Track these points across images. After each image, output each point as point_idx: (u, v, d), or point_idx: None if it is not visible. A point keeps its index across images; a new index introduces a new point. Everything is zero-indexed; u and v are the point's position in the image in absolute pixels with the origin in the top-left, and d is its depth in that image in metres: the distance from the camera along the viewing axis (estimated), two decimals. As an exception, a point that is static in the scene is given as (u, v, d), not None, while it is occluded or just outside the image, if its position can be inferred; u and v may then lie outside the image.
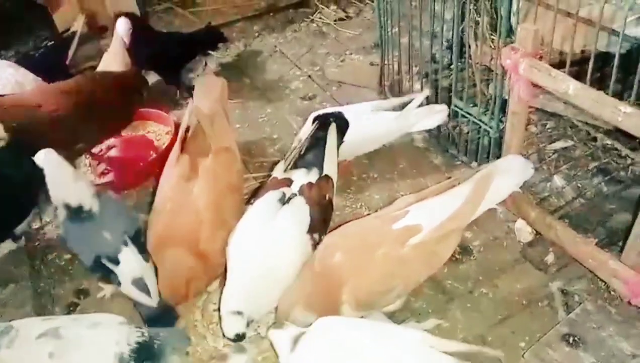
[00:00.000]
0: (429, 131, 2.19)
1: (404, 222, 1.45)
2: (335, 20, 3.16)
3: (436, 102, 2.12)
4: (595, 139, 2.04)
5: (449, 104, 2.00)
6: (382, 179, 2.12)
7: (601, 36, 1.79)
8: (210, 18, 3.20)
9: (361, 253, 1.43)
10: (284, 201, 1.55)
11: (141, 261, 1.49)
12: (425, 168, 2.13)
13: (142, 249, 1.53)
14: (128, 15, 2.46)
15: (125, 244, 1.49)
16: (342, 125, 1.78)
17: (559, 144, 2.07)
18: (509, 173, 1.50)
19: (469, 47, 2.21)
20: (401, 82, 2.29)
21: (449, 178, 2.02)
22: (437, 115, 2.03)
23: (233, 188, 1.69)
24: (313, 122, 1.73)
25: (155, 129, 2.40)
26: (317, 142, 1.66)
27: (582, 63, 1.99)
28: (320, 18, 3.20)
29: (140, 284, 1.46)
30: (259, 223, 1.51)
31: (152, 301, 1.48)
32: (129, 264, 1.47)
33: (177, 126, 2.19)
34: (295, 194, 1.57)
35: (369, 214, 1.94)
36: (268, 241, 1.49)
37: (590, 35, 1.67)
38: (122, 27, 2.38)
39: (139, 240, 1.54)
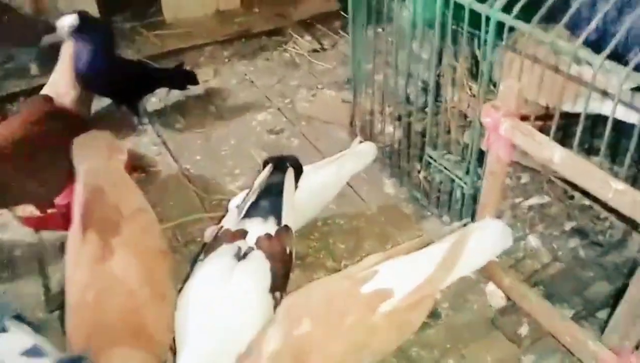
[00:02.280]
0: (400, 177, 2.07)
1: (374, 285, 1.32)
2: (309, 52, 3.04)
3: (409, 147, 2.01)
4: (572, 197, 1.95)
5: (422, 149, 1.89)
6: (349, 226, 1.98)
7: (594, 97, 1.73)
8: (179, 41, 3.06)
9: (329, 321, 1.28)
10: (240, 256, 1.39)
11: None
12: (395, 216, 2.01)
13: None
14: (81, 13, 2.02)
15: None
16: (297, 171, 1.66)
17: (534, 200, 1.97)
18: (487, 240, 1.40)
19: (445, 92, 2.12)
20: (372, 124, 2.17)
21: (419, 229, 1.94)
22: (365, 156, 1.93)
23: (161, 254, 1.44)
24: (264, 165, 1.59)
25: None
26: (273, 188, 1.52)
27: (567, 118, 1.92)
28: (294, 48, 3.08)
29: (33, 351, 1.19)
30: (214, 284, 1.33)
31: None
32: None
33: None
34: (253, 248, 1.41)
35: (333, 264, 1.81)
36: (226, 305, 1.31)
37: (579, 95, 1.59)
38: (66, 22, 1.97)
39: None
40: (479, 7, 1.37)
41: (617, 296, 1.57)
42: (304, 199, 1.69)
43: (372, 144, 1.96)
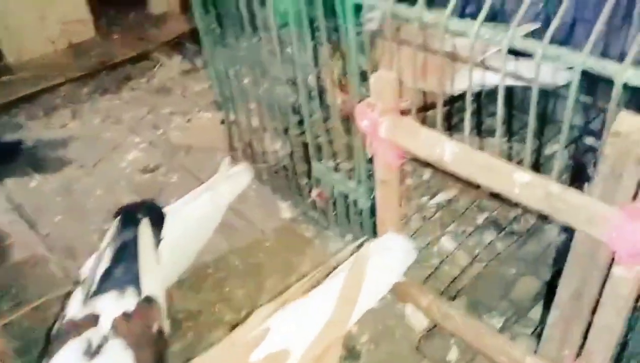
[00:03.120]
0: (294, 198, 1.83)
1: (265, 349, 1.07)
2: (180, 73, 2.74)
3: (294, 164, 1.76)
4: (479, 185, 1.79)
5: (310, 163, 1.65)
6: (246, 265, 1.71)
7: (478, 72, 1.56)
8: (28, 85, 2.65)
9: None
10: (92, 352, 1.07)
11: None
12: (296, 242, 1.76)
13: None
14: None
15: None
16: (155, 217, 1.37)
17: (440, 197, 1.79)
18: (387, 261, 1.18)
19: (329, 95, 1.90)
20: (258, 142, 1.91)
21: (324, 253, 1.70)
22: (239, 179, 1.71)
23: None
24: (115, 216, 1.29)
25: None
26: (125, 248, 1.22)
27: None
28: (163, 72, 2.77)
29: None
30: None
31: None
32: None
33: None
34: (107, 338, 1.09)
35: (233, 316, 1.54)
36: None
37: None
38: None
39: None
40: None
41: (546, 292, 1.41)
42: (176, 245, 1.41)
43: (246, 165, 1.72)
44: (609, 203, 0.82)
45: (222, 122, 2.31)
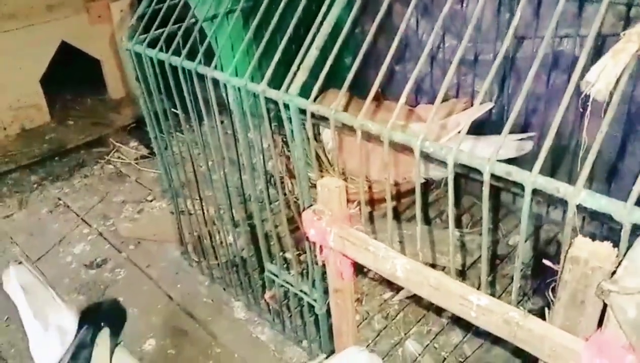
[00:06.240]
0: (247, 297, 1.71)
1: None
2: (136, 159, 2.66)
3: (244, 261, 1.65)
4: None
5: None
6: (195, 376, 1.57)
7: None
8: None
9: None
10: None
11: None
12: (251, 348, 1.62)
13: None
14: None
15: None
16: (117, 322, 1.25)
17: (404, 293, 1.70)
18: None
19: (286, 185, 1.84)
20: (202, 238, 1.80)
21: (281, 359, 1.57)
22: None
23: None
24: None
25: None
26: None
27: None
28: (118, 158, 2.68)
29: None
30: None
31: None
32: None
33: None
34: None
35: None
36: None
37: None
38: None
39: None
40: (274, 95, 1.09)
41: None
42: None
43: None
44: (572, 332, 0.74)
45: (172, 212, 2.21)
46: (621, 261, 0.66)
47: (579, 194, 0.68)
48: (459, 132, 1.57)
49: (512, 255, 1.77)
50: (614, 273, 0.67)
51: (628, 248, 0.67)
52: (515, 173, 0.74)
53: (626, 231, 0.66)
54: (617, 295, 0.65)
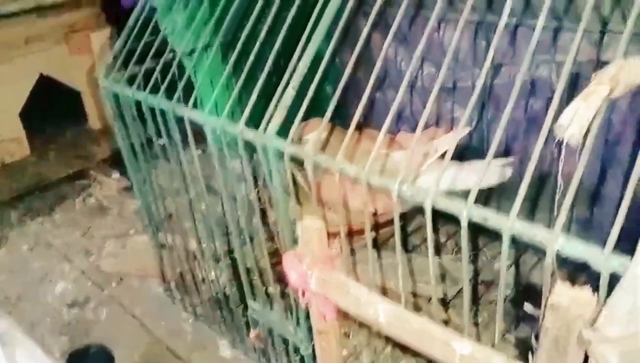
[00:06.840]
0: (232, 336, 1.68)
1: None
2: (119, 191, 2.63)
3: (227, 298, 1.61)
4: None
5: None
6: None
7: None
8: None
9: None
10: None
11: None
12: (237, 388, 1.60)
13: None
14: None
15: None
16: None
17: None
18: None
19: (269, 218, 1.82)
20: (184, 274, 1.77)
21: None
22: None
23: None
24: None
25: None
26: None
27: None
28: (100, 190, 2.65)
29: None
30: None
31: None
32: None
33: None
34: None
35: None
36: None
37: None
38: None
39: None
40: (251, 136, 1.09)
41: None
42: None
43: None
44: (557, 379, 0.73)
45: (155, 246, 2.18)
46: (601, 309, 0.65)
47: (557, 240, 0.68)
48: (442, 156, 1.57)
49: (497, 281, 1.76)
50: (595, 319, 0.67)
51: (608, 294, 0.67)
52: (493, 219, 0.73)
53: (604, 279, 0.66)
54: (599, 344, 0.64)
